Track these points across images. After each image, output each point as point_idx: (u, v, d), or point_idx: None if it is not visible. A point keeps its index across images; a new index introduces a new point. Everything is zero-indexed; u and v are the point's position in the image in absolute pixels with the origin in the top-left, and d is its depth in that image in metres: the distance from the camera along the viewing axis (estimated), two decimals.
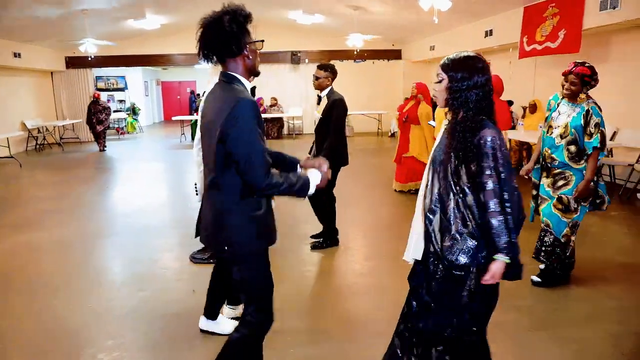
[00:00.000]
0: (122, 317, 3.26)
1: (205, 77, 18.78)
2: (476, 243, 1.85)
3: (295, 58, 13.86)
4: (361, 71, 14.18)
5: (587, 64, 3.26)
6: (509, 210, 1.80)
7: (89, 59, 11.57)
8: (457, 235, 1.87)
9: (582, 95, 3.28)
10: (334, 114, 4.06)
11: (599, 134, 3.20)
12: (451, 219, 1.89)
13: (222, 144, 1.82)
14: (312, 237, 4.64)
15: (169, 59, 14.07)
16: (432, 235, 1.95)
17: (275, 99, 13.74)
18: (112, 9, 9.70)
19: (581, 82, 3.24)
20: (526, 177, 3.63)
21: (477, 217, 1.85)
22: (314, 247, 4.49)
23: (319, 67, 4.18)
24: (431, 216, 1.96)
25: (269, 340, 2.90)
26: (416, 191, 6.51)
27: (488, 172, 1.80)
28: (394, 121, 7.18)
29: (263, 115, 14.70)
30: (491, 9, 8.56)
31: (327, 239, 4.50)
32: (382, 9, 10.07)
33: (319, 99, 4.22)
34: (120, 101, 18.45)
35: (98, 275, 4.04)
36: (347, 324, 3.10)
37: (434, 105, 6.19)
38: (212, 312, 2.95)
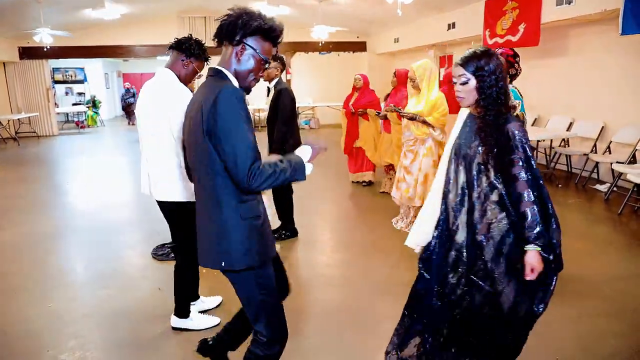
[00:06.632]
0: (84, 316, 3.16)
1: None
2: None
3: None
4: (326, 63, 14.12)
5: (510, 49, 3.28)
6: (538, 200, 1.85)
7: (45, 49, 11.06)
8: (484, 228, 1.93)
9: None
10: (281, 102, 4.15)
11: None
12: (476, 213, 1.94)
13: (208, 142, 1.67)
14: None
15: (130, 50, 13.59)
16: (458, 229, 2.01)
17: None
18: None
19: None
20: None
21: (509, 210, 1.89)
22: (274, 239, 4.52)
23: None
24: (457, 209, 2.01)
25: None
26: (366, 182, 6.55)
27: (520, 164, 1.85)
28: (340, 115, 7.12)
29: None
30: (454, 2, 8.68)
31: (286, 230, 4.51)
32: (346, 1, 10.07)
33: (268, 90, 4.31)
34: (80, 94, 17.81)
35: (58, 275, 3.90)
36: (317, 318, 3.11)
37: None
38: (183, 311, 2.90)
